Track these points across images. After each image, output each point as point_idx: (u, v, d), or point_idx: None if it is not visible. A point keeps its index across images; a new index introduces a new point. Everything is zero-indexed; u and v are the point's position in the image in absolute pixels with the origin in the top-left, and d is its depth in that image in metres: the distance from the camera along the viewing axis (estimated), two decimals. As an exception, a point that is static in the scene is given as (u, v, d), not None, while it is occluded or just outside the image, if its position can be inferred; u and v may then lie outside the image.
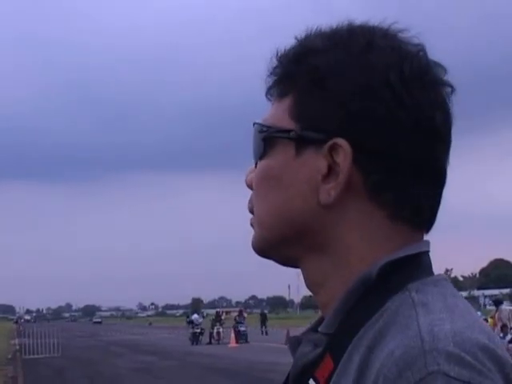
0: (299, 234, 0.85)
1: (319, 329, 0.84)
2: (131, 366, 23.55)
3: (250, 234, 0.90)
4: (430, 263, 0.85)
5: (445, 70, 0.86)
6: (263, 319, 46.27)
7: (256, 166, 0.90)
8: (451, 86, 0.86)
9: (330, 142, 0.81)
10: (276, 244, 0.87)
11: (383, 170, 0.80)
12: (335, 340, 0.80)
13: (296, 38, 0.88)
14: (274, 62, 0.89)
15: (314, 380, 0.80)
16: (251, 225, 0.90)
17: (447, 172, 0.85)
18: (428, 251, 0.85)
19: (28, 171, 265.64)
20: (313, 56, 0.85)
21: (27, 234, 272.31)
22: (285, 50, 0.89)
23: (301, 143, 0.84)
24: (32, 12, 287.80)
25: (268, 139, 0.87)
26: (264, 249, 0.89)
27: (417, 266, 0.81)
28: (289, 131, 0.84)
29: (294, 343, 0.86)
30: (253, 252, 0.90)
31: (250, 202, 0.90)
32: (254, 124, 0.89)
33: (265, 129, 0.87)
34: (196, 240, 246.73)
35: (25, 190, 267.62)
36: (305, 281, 0.87)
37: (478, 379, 0.68)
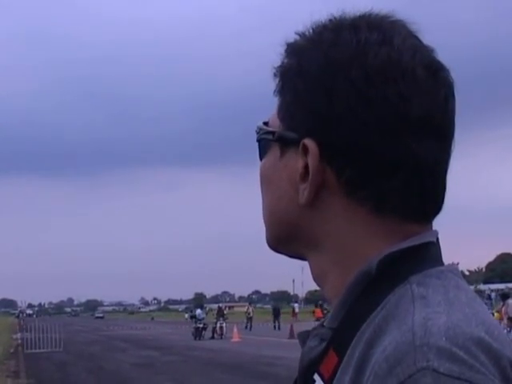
0: (291, 233, 0.86)
1: (325, 323, 0.84)
2: (133, 360, 23.56)
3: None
4: (439, 253, 0.83)
5: (431, 51, 0.82)
6: (276, 314, 45.92)
7: None
8: (435, 70, 0.81)
9: (302, 143, 0.82)
10: (277, 242, 0.89)
11: (354, 167, 0.79)
12: (338, 334, 0.79)
13: (296, 33, 0.87)
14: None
15: (319, 375, 0.79)
16: None
17: (446, 160, 0.82)
18: (434, 241, 0.82)
19: (32, 166, 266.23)
20: (292, 56, 0.85)
21: (29, 228, 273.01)
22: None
23: (283, 144, 0.85)
24: (41, 8, 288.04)
25: (260, 141, 0.89)
26: (271, 246, 0.90)
27: (421, 257, 0.80)
28: (273, 133, 0.86)
29: (304, 337, 0.85)
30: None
31: None
32: None
33: (257, 130, 0.90)
34: (198, 234, 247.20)
35: (27, 184, 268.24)
36: (311, 275, 0.87)
37: (469, 374, 0.66)
